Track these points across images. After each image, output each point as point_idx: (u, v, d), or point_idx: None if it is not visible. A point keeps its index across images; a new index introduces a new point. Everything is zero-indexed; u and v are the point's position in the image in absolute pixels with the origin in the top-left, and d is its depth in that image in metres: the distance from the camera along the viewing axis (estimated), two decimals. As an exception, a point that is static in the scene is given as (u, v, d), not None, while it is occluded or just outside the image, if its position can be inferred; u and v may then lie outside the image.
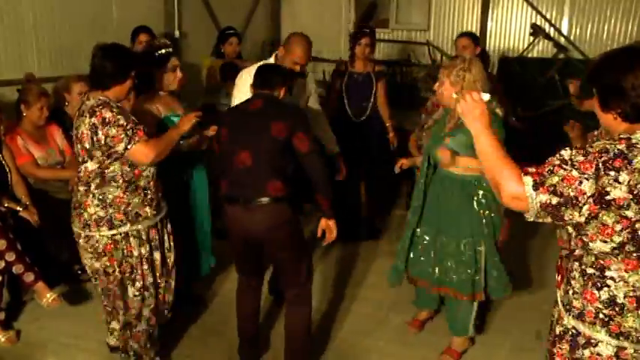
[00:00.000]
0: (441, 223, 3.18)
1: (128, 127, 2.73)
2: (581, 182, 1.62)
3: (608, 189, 1.61)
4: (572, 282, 1.82)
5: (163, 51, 3.34)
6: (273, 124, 2.82)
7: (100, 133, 2.70)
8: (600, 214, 1.64)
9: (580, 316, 1.80)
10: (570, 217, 1.68)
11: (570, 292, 1.83)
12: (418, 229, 3.30)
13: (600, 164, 1.62)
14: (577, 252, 1.79)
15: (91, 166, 2.81)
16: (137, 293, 2.99)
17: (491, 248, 3.12)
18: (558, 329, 1.90)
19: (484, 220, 3.07)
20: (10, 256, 3.42)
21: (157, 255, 3.06)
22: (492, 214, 3.07)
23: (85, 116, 2.74)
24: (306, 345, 3.14)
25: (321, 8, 8.07)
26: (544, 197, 1.65)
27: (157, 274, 3.08)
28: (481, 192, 3.05)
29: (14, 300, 3.76)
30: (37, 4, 4.68)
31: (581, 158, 1.64)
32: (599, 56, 1.85)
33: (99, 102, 2.75)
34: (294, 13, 8.23)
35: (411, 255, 3.33)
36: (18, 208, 3.66)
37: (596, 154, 1.63)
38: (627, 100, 1.70)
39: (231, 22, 6.11)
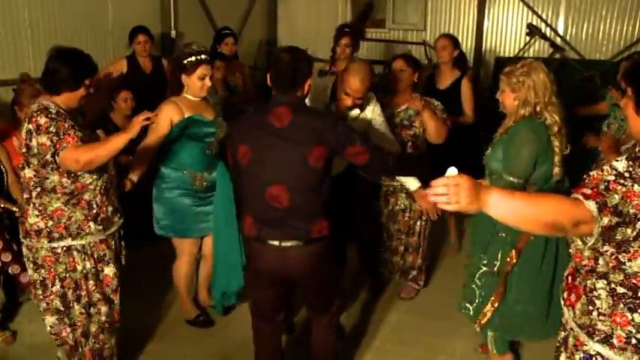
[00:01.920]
0: (477, 238, 3.09)
1: (55, 134, 2.58)
2: None
3: None
4: (597, 302, 1.63)
5: (193, 59, 3.19)
6: (311, 151, 2.42)
7: (33, 140, 2.61)
8: None
9: (606, 341, 1.61)
10: (622, 235, 1.52)
11: (594, 313, 1.64)
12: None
13: None
14: (600, 269, 1.61)
15: (28, 173, 2.70)
16: (82, 311, 2.85)
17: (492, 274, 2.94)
18: (578, 356, 1.70)
19: (502, 243, 2.90)
20: (7, 257, 3.42)
21: (107, 270, 2.89)
22: (507, 239, 2.88)
23: (26, 121, 2.67)
24: None
25: (317, 8, 8.07)
26: (606, 220, 1.50)
27: (112, 290, 2.93)
28: None
29: (10, 301, 3.75)
30: (32, 4, 4.67)
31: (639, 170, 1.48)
32: (637, 56, 1.77)
33: (39, 107, 2.65)
34: (290, 13, 8.24)
35: None
36: (14, 209, 3.65)
37: None
38: None
39: (227, 22, 6.11)
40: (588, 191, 1.52)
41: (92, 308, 2.89)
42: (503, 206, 1.54)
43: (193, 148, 3.30)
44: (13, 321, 3.64)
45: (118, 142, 2.66)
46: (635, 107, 1.64)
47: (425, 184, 3.02)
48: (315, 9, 8.08)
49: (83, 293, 2.84)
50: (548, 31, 7.13)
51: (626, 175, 1.49)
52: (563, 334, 1.83)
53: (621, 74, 3.55)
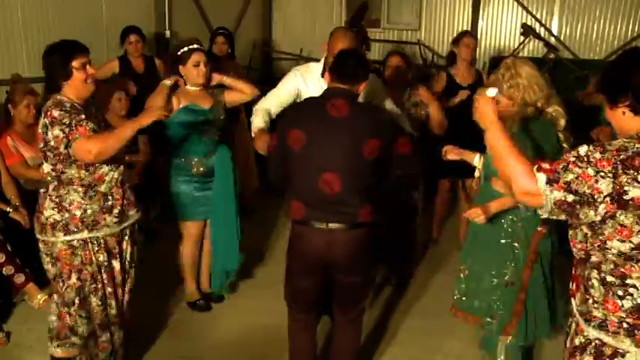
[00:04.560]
0: (476, 247, 2.91)
1: (67, 126, 2.56)
2: (597, 180, 1.58)
3: (626, 188, 1.56)
4: (591, 291, 1.74)
5: (186, 49, 3.41)
6: (366, 142, 2.50)
7: (49, 133, 2.60)
8: (617, 214, 1.59)
9: (602, 326, 1.72)
10: (585, 215, 1.63)
11: (590, 301, 1.75)
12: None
13: (618, 163, 1.57)
14: (594, 259, 1.71)
15: (46, 168, 2.70)
16: (100, 303, 2.86)
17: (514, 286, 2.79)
18: (578, 340, 1.81)
19: (509, 252, 2.76)
20: (1, 258, 3.41)
21: (115, 264, 2.89)
22: (516, 246, 2.73)
23: (42, 116, 2.66)
24: None
25: (312, 8, 8.07)
26: (559, 194, 1.63)
27: (116, 284, 2.92)
28: (510, 217, 2.71)
29: (4, 301, 3.73)
30: (26, 4, 4.65)
31: (598, 155, 1.60)
32: (603, 70, 1.86)
33: (53, 101, 2.65)
34: (285, 13, 8.24)
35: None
36: (8, 209, 3.65)
37: (614, 152, 1.60)
38: (636, 91, 1.67)
39: (222, 22, 6.11)
40: (546, 166, 1.67)
41: (107, 301, 2.90)
42: (498, 137, 1.84)
43: (190, 135, 3.47)
44: (6, 322, 3.62)
45: (127, 131, 2.67)
46: (608, 103, 1.77)
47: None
48: (310, 9, 8.08)
49: (99, 286, 2.84)
50: (542, 31, 7.16)
51: (585, 158, 1.62)
52: (570, 320, 1.94)
53: (595, 89, 3.63)
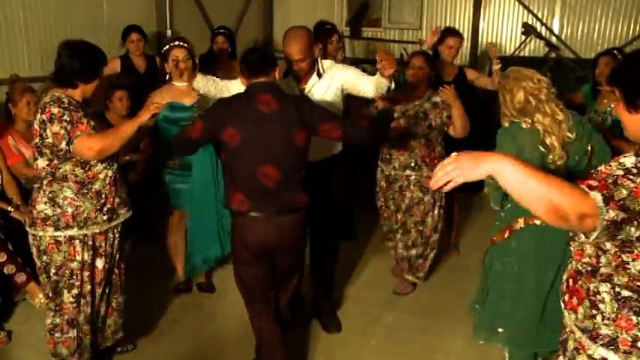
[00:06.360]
0: None
1: (69, 123, 2.61)
2: None
3: None
4: (601, 306, 1.60)
5: (167, 46, 3.58)
6: (296, 134, 2.69)
7: (47, 130, 2.63)
8: None
9: (611, 345, 1.58)
10: (627, 234, 1.47)
11: (598, 317, 1.61)
12: None
13: None
14: (603, 269, 1.58)
15: (42, 163, 2.71)
16: (72, 300, 2.84)
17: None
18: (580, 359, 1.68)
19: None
20: (2, 257, 3.42)
21: (99, 263, 2.90)
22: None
23: (39, 112, 2.68)
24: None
25: (314, 7, 8.07)
26: (613, 213, 1.44)
27: (97, 283, 2.92)
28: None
29: (5, 301, 3.74)
30: (27, 4, 4.66)
31: None
32: (621, 59, 1.74)
33: (52, 98, 2.67)
34: (286, 12, 8.24)
35: None
36: (9, 209, 3.65)
37: None
38: None
39: (223, 22, 6.12)
40: (594, 183, 1.47)
41: (82, 299, 2.87)
42: (514, 172, 1.47)
43: (170, 130, 3.57)
44: (8, 321, 3.63)
45: (128, 129, 2.79)
46: (626, 106, 1.61)
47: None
48: (311, 8, 8.08)
49: (77, 283, 2.83)
50: (543, 31, 7.15)
51: (634, 171, 1.45)
52: (564, 335, 1.81)
53: (607, 79, 3.45)
